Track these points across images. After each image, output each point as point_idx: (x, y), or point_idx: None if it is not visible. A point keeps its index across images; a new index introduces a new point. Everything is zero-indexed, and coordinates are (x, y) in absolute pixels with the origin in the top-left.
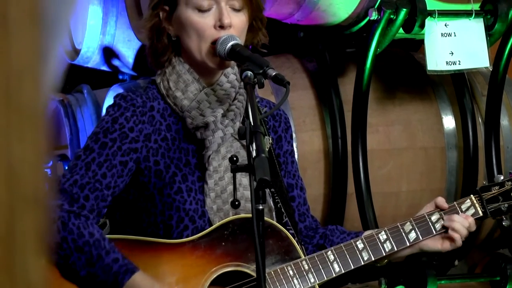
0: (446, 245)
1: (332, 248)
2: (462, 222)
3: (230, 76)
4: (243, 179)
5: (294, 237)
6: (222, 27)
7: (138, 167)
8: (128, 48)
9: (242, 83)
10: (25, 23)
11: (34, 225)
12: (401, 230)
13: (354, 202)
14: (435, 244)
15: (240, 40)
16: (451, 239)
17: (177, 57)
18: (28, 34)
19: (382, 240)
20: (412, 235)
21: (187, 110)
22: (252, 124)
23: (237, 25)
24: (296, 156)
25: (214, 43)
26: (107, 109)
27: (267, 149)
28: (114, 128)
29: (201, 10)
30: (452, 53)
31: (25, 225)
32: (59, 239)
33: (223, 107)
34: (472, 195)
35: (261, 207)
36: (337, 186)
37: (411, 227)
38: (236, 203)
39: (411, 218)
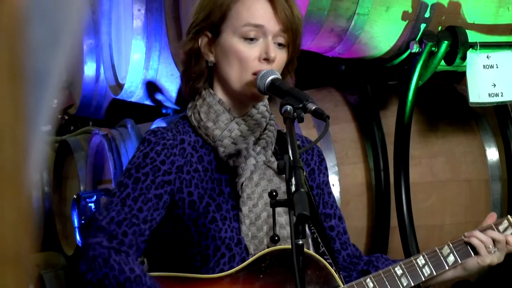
0: (482, 260)
1: (371, 275)
2: (487, 234)
3: (260, 108)
4: (280, 208)
5: (332, 266)
6: (266, 59)
7: (172, 199)
8: (171, 82)
9: (272, 116)
10: (5, 80)
11: (15, 285)
12: (439, 254)
13: (397, 235)
14: (473, 263)
15: (279, 75)
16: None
17: (207, 89)
18: (8, 92)
19: (421, 265)
20: (451, 259)
21: (219, 139)
22: (291, 158)
23: (278, 61)
24: (338, 189)
25: (254, 74)
26: (138, 146)
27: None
28: (146, 162)
29: (248, 39)
30: (495, 85)
31: (6, 286)
32: (100, 275)
33: (255, 135)
34: (509, 216)
35: (300, 242)
36: (380, 219)
37: (449, 251)
38: (276, 238)
39: (449, 242)
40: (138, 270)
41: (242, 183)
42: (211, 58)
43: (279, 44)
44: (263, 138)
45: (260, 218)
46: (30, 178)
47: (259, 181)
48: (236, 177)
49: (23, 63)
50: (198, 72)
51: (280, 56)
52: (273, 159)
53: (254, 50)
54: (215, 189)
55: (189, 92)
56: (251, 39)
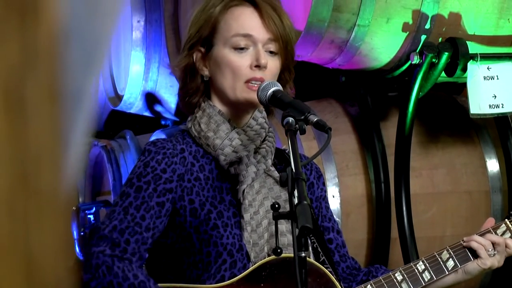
0: (482, 263)
1: (371, 281)
2: (486, 238)
3: (259, 119)
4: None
5: (332, 274)
6: (258, 67)
7: (174, 207)
8: (170, 93)
9: (270, 128)
10: (44, 104)
11: None
12: (439, 259)
13: (398, 247)
14: (473, 266)
15: (280, 86)
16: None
17: (207, 101)
18: (47, 115)
19: (421, 270)
20: (450, 263)
21: (220, 148)
22: (293, 170)
23: (271, 68)
24: (339, 200)
25: (247, 82)
26: (139, 157)
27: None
28: (147, 171)
29: (238, 49)
30: (495, 96)
31: None
32: (105, 283)
33: (255, 144)
34: (506, 219)
35: (303, 254)
36: (380, 231)
37: (448, 256)
38: (279, 250)
39: (448, 246)
40: (142, 276)
41: (244, 190)
42: (206, 72)
43: (271, 52)
44: (263, 147)
45: (261, 225)
46: (68, 203)
47: (260, 189)
48: (236, 186)
49: (61, 84)
50: (195, 88)
51: (273, 63)
52: (272, 168)
53: (245, 59)
54: (216, 197)
55: (186, 107)
56: (242, 49)
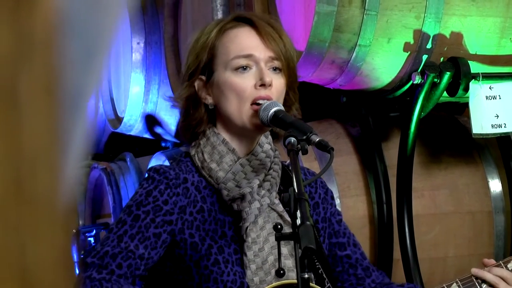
0: None
1: None
2: (496, 272)
3: (264, 146)
4: (283, 248)
5: None
6: (263, 85)
7: (173, 239)
8: (170, 115)
9: (276, 152)
10: (39, 99)
11: None
12: None
13: (401, 268)
14: None
15: (282, 106)
16: None
17: (212, 129)
18: (43, 112)
19: None
20: None
21: (223, 181)
22: (296, 191)
23: (276, 86)
24: None
25: (253, 104)
26: (140, 182)
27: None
28: (148, 201)
29: (240, 69)
30: (498, 116)
31: None
32: None
33: (259, 178)
34: None
35: (306, 276)
36: (383, 252)
37: None
38: (281, 272)
39: (457, 279)
40: None
41: (247, 228)
42: (210, 100)
43: (274, 69)
44: (268, 180)
45: (267, 262)
46: (68, 212)
47: (264, 225)
48: (239, 220)
49: (59, 79)
50: (198, 118)
51: (278, 81)
52: (277, 201)
53: (249, 79)
54: (217, 231)
55: (189, 138)
56: (244, 68)
